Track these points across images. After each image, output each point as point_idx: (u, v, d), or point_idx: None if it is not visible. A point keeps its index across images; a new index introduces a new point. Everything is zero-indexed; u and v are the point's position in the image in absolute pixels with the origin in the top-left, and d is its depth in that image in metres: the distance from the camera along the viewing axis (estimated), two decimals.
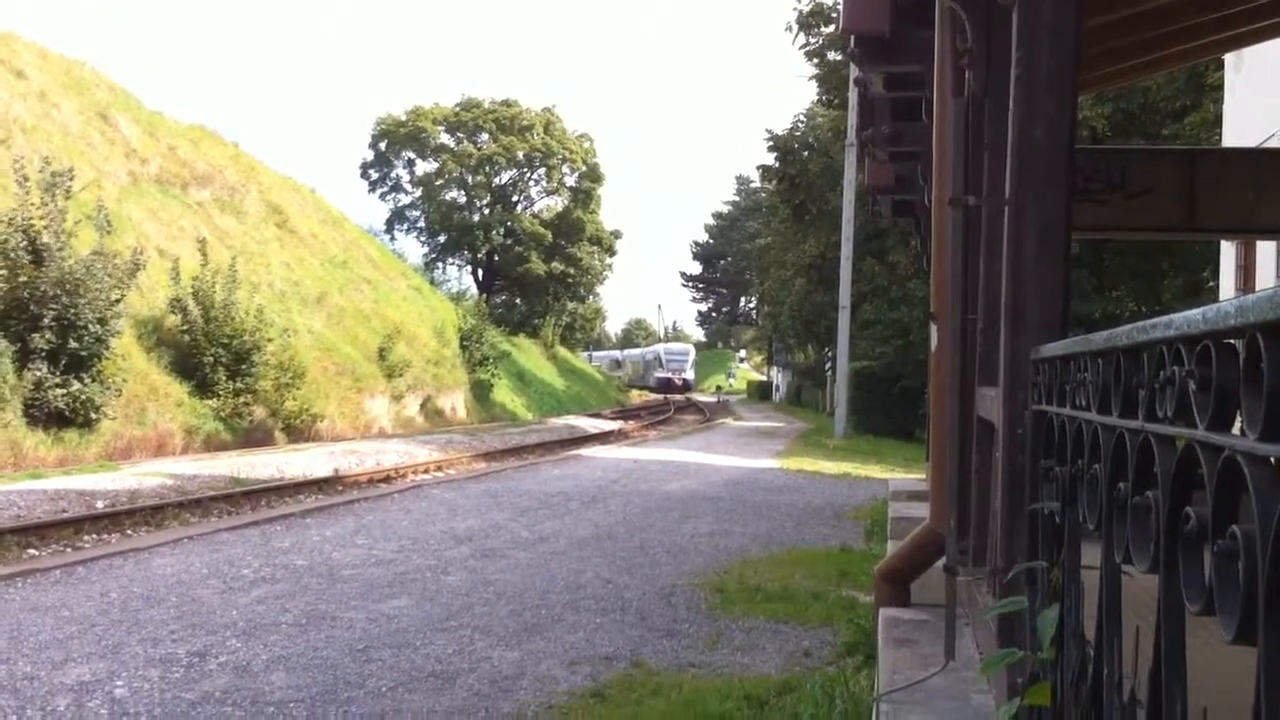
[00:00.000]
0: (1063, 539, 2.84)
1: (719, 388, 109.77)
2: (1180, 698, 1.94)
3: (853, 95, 25.64)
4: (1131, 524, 2.11)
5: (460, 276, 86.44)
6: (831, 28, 33.85)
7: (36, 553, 11.76)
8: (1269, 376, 1.48)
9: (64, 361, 19.41)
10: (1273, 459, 1.51)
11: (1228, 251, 15.06)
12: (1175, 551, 1.84)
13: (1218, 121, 18.22)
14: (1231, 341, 1.69)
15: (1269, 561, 1.43)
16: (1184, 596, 1.81)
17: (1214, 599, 1.64)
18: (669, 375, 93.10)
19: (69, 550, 11.97)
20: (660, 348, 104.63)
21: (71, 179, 20.65)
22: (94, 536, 12.83)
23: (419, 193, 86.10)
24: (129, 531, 13.29)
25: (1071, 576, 2.74)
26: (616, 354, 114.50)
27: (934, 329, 6.14)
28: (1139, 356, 2.15)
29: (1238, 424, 1.64)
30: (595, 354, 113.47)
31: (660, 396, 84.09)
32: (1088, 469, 2.49)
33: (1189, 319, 1.80)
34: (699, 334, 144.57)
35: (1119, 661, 2.32)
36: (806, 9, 35.29)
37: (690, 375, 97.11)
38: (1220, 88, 17.56)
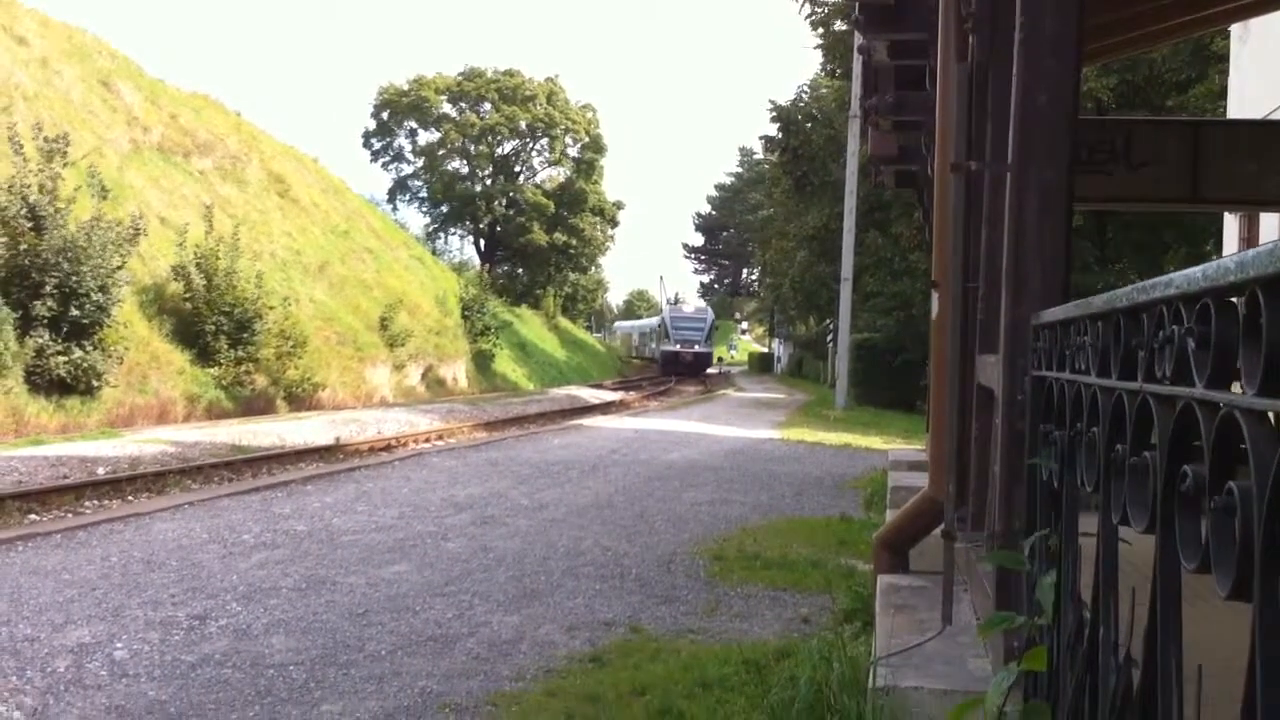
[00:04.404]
0: (1061, 503, 2.85)
1: (720, 359, 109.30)
2: (1175, 657, 1.94)
3: (857, 65, 25.58)
4: (1129, 485, 2.12)
5: (462, 247, 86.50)
6: None
7: (38, 518, 11.79)
8: (1268, 331, 1.48)
9: (65, 329, 19.43)
10: (1270, 414, 1.51)
11: (1231, 224, 15.03)
12: (1172, 510, 1.84)
13: (1223, 93, 18.15)
14: (1232, 300, 1.68)
15: (1265, 516, 1.43)
16: (1180, 555, 1.81)
17: (1210, 556, 1.65)
18: (676, 348, 68.26)
19: (70, 515, 11.99)
20: (666, 312, 75.09)
21: (68, 145, 20.60)
22: (95, 502, 12.86)
23: (421, 163, 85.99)
24: (130, 497, 13.31)
25: (1069, 540, 2.75)
26: (656, 317, 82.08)
27: (935, 297, 6.14)
28: (1139, 318, 2.15)
29: (1237, 391, 1.64)
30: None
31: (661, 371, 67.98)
32: (1086, 432, 2.50)
33: (1189, 277, 1.80)
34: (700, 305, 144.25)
35: (1116, 622, 2.33)
36: None
37: (708, 348, 70.92)
38: (1226, 58, 17.48)
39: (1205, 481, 1.66)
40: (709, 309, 79.18)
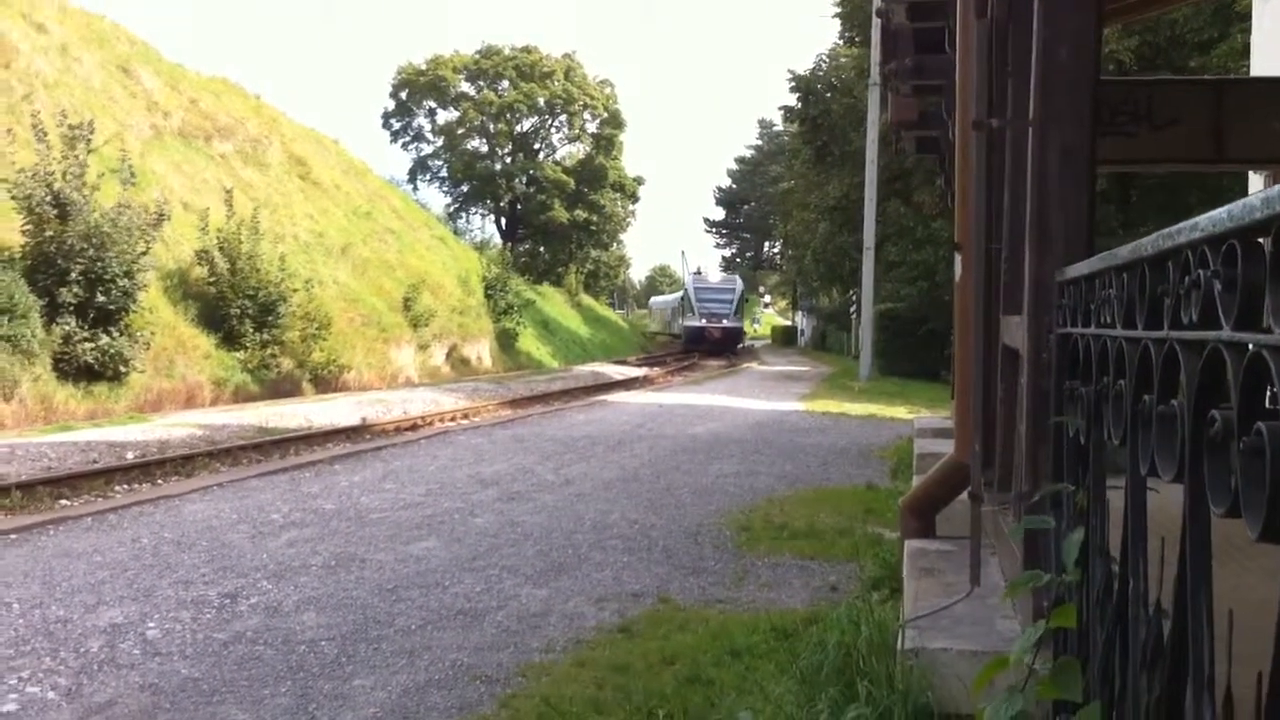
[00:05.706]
0: (1087, 460, 2.83)
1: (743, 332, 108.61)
2: (1206, 603, 1.93)
3: (876, 30, 25.40)
4: (1157, 434, 2.10)
5: (483, 226, 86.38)
6: None
7: (68, 502, 11.87)
8: None
9: (92, 315, 19.53)
10: None
11: (1255, 183, 14.86)
12: (1200, 456, 1.83)
13: (1245, 52, 17.96)
14: (1259, 240, 1.66)
15: None
16: (1209, 500, 1.79)
17: (1239, 499, 1.63)
18: (702, 323, 61.37)
19: (100, 499, 12.06)
20: (689, 283, 67.33)
21: (92, 132, 20.67)
22: (125, 486, 12.94)
23: (441, 142, 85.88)
24: (159, 480, 13.39)
25: (1097, 496, 2.74)
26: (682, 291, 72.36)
27: (958, 259, 6.11)
28: (1164, 265, 2.13)
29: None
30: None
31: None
32: (1113, 385, 2.48)
33: (1214, 219, 1.78)
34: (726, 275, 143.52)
35: (1145, 574, 2.32)
36: None
37: (737, 322, 64.10)
38: (1248, 17, 17.28)
39: (1234, 424, 1.64)
40: (737, 278, 72.16)
